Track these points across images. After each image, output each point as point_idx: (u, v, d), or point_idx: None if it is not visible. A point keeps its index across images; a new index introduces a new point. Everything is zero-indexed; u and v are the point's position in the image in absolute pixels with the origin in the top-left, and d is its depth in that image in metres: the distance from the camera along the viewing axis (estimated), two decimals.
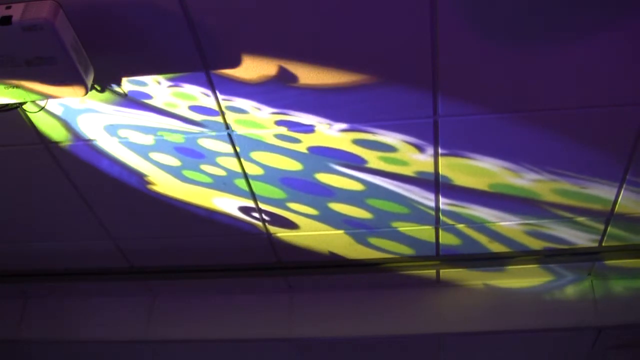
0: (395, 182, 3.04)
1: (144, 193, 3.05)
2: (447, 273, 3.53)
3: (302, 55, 2.32)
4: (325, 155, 2.89)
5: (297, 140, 2.82)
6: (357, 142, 2.81)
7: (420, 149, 2.79)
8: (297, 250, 3.40)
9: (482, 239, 3.37)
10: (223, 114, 2.70)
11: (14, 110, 2.46)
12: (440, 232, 3.22)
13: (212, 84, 2.55)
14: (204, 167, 3.03)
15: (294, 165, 2.98)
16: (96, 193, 3.08)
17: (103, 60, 2.32)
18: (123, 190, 3.04)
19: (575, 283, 3.52)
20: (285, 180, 3.08)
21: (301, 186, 3.10)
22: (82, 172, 2.95)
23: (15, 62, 2.09)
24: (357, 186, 3.07)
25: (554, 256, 3.31)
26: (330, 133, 2.76)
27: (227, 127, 2.78)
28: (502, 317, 3.52)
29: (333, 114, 2.67)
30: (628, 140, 2.60)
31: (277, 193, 3.15)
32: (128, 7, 2.16)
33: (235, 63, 2.35)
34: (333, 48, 2.28)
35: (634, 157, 2.68)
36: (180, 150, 2.94)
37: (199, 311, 3.82)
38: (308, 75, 2.46)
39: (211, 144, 2.89)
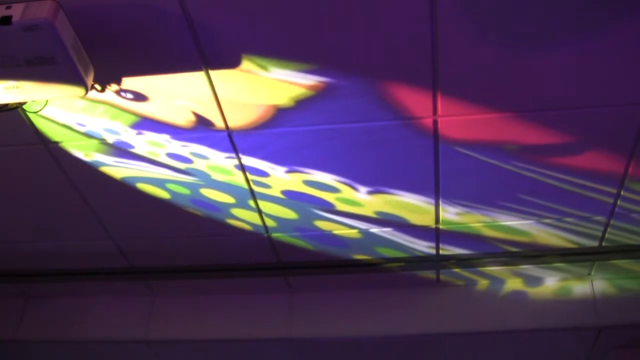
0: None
1: (144, 193, 3.05)
2: (447, 273, 3.53)
3: (300, 56, 2.32)
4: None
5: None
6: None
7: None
8: (297, 250, 3.40)
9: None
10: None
11: (14, 110, 2.46)
12: (440, 232, 3.23)
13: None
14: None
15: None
16: (96, 193, 3.08)
17: (103, 60, 2.33)
18: (123, 190, 3.04)
19: (575, 283, 3.52)
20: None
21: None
22: (82, 172, 2.95)
23: (15, 62, 2.09)
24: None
25: (554, 256, 3.31)
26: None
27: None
28: (502, 317, 3.52)
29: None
30: (628, 140, 2.60)
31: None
32: (128, 7, 2.16)
33: (234, 63, 2.35)
34: (332, 48, 2.28)
35: (634, 157, 2.68)
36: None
37: (199, 311, 3.82)
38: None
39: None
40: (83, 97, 2.51)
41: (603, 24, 2.14)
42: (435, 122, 2.56)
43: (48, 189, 3.06)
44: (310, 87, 2.42)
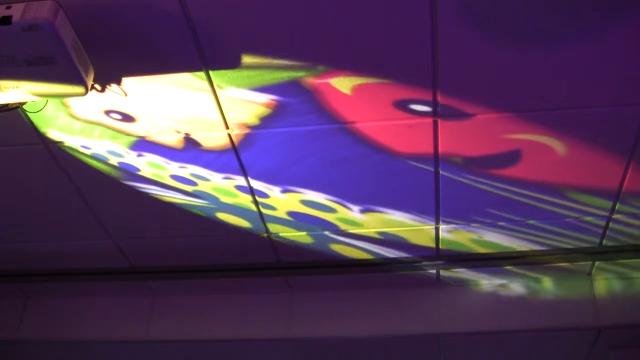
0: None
1: (144, 193, 3.05)
2: (447, 273, 3.53)
3: (300, 56, 2.32)
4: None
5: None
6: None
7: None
8: (297, 250, 3.40)
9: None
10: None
11: (14, 110, 2.46)
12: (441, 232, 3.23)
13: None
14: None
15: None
16: (96, 193, 3.08)
17: (103, 60, 2.33)
18: (123, 191, 3.04)
19: (575, 283, 3.52)
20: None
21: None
22: (82, 172, 2.95)
23: (15, 62, 2.09)
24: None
25: (554, 256, 3.30)
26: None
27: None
28: (502, 317, 3.52)
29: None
30: (628, 140, 2.60)
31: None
32: (128, 7, 2.16)
33: (234, 63, 2.35)
34: (332, 49, 2.28)
35: (634, 157, 2.68)
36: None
37: (199, 311, 3.82)
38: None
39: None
40: (83, 96, 2.51)
41: (603, 24, 2.14)
42: (435, 123, 2.56)
43: (48, 189, 3.06)
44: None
